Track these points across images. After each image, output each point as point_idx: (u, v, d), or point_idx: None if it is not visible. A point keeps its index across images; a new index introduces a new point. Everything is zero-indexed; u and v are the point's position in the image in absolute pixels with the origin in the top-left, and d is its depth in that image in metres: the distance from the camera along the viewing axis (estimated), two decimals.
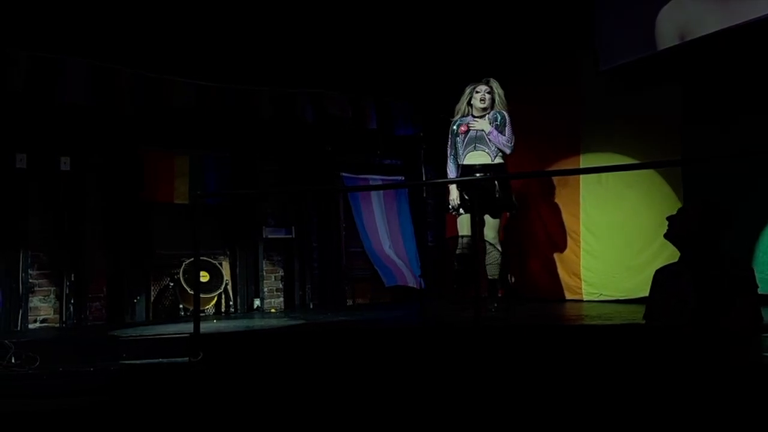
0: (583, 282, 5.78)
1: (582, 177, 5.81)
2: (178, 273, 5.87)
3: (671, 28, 4.96)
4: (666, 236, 2.91)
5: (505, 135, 5.03)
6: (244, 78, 6.26)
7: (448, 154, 5.27)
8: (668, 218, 2.94)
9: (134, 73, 5.73)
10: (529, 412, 3.04)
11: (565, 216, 5.98)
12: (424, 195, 7.28)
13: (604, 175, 5.59)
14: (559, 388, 3.21)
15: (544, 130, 6.06)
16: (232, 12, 5.87)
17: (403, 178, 7.29)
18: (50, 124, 5.49)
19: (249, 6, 5.84)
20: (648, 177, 5.32)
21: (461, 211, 5.12)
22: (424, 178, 7.13)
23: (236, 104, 6.24)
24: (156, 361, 4.08)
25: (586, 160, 5.82)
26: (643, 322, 2.91)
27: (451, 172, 5.25)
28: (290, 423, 3.24)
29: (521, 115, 5.39)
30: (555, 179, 6.06)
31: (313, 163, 6.76)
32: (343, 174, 6.96)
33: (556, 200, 6.06)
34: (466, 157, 5.10)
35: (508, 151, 5.07)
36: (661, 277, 2.87)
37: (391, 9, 6.04)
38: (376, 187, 7.54)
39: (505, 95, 5.20)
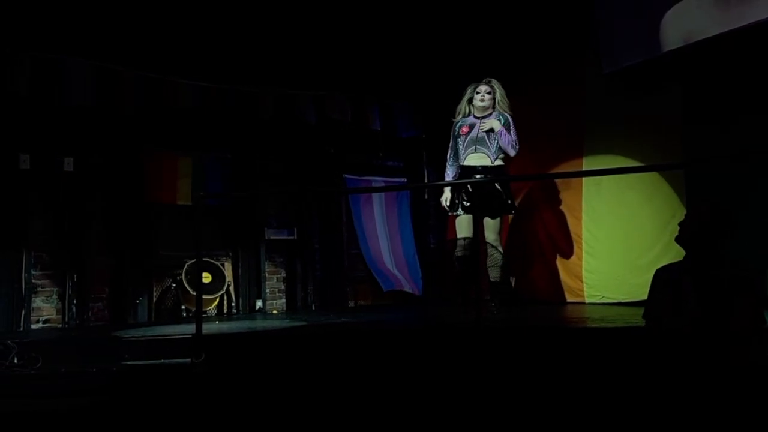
0: (584, 284, 5.77)
1: (584, 179, 5.80)
2: (180, 274, 5.88)
3: (675, 32, 4.95)
4: (677, 240, 2.90)
5: (511, 137, 5.05)
6: (247, 79, 6.27)
7: (448, 156, 5.29)
8: (680, 224, 2.91)
9: (137, 74, 5.74)
10: (530, 414, 3.04)
11: (567, 218, 5.98)
12: (426, 197, 7.29)
13: (605, 177, 5.58)
14: (561, 391, 3.21)
15: (547, 132, 6.05)
16: (235, 13, 5.88)
17: (406, 179, 7.30)
18: (53, 125, 5.50)
19: (251, 7, 5.86)
20: (650, 178, 5.32)
21: (460, 212, 5.13)
22: (426, 180, 7.14)
23: (239, 105, 6.25)
24: (158, 362, 4.08)
25: (588, 162, 5.82)
26: (643, 321, 2.89)
27: (449, 175, 5.27)
28: (292, 424, 3.24)
29: (523, 118, 5.38)
30: (557, 182, 6.06)
31: (315, 164, 6.77)
32: (345, 175, 6.97)
33: (559, 203, 6.06)
34: (467, 158, 5.11)
35: (513, 153, 5.06)
36: (663, 275, 2.85)
37: (394, 10, 6.05)
38: (378, 189, 7.54)
39: (508, 96, 5.20)
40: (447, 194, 5.17)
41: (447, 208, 5.22)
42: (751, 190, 4.63)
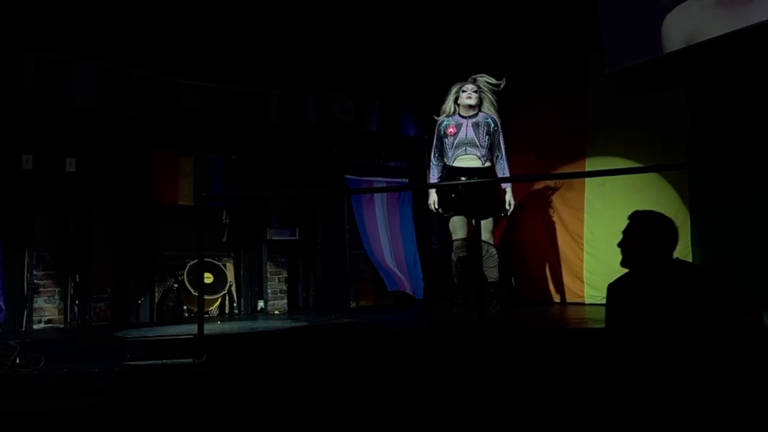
0: (585, 285, 5.78)
1: (587, 181, 5.80)
2: (183, 274, 5.88)
3: (677, 34, 4.95)
4: (623, 264, 2.74)
5: (502, 150, 5.04)
6: (250, 80, 6.28)
7: (432, 155, 5.21)
8: (620, 244, 2.76)
9: (142, 75, 5.75)
10: (533, 415, 3.04)
11: (569, 219, 5.98)
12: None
13: (608, 179, 5.57)
14: (563, 391, 3.20)
15: (551, 133, 6.06)
16: (239, 15, 5.90)
17: (408, 180, 7.29)
18: (56, 126, 5.51)
19: (255, 9, 5.87)
20: (653, 181, 5.31)
21: (450, 213, 5.11)
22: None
23: (242, 106, 6.25)
24: (160, 362, 4.08)
25: (591, 165, 5.81)
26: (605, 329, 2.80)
27: (434, 175, 5.18)
28: (294, 424, 3.24)
29: (528, 118, 5.37)
30: (560, 183, 6.05)
31: (318, 165, 6.77)
32: (347, 176, 6.96)
33: (561, 204, 6.05)
34: (456, 159, 5.03)
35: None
36: (618, 288, 2.72)
37: (398, 12, 6.06)
38: (380, 189, 7.53)
39: (510, 98, 5.15)
40: (434, 196, 5.12)
41: (435, 210, 5.17)
42: (755, 192, 4.64)
